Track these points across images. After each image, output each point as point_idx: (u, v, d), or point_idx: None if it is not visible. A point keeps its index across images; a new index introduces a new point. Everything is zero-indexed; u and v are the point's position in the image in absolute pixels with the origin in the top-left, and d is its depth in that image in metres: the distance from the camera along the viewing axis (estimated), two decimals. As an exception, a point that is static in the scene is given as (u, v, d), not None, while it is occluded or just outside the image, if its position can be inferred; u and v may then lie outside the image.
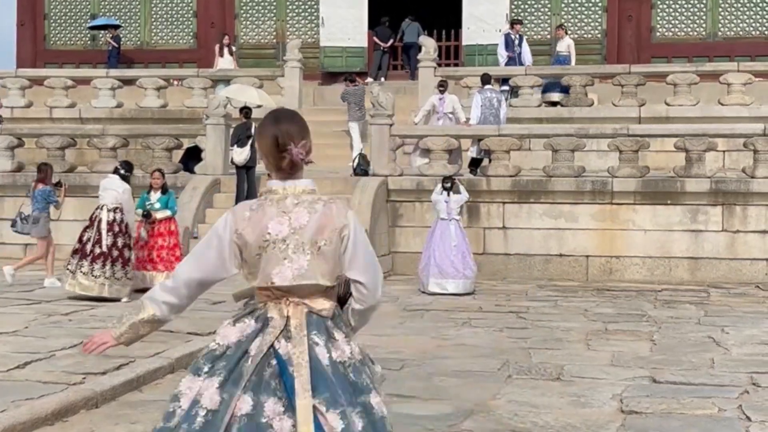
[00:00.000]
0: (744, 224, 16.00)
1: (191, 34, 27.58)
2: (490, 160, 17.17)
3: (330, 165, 19.03)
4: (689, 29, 25.40)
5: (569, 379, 8.36)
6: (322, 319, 3.48)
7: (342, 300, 3.61)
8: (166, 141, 17.97)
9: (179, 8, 27.65)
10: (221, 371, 3.40)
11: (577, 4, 25.70)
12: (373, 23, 25.24)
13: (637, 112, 19.84)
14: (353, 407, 3.37)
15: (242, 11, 27.12)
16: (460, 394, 7.69)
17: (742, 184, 16.06)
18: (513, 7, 25.36)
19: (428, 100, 18.70)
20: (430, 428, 6.67)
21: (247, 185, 16.69)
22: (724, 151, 18.73)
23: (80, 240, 12.37)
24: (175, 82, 23.35)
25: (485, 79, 18.27)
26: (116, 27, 26.62)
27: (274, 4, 26.95)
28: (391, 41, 24.80)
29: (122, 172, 12.71)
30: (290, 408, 3.33)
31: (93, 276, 11.93)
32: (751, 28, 25.14)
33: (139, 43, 27.74)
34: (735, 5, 25.17)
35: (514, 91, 20.90)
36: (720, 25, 25.19)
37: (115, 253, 12.09)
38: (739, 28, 25.18)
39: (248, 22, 27.13)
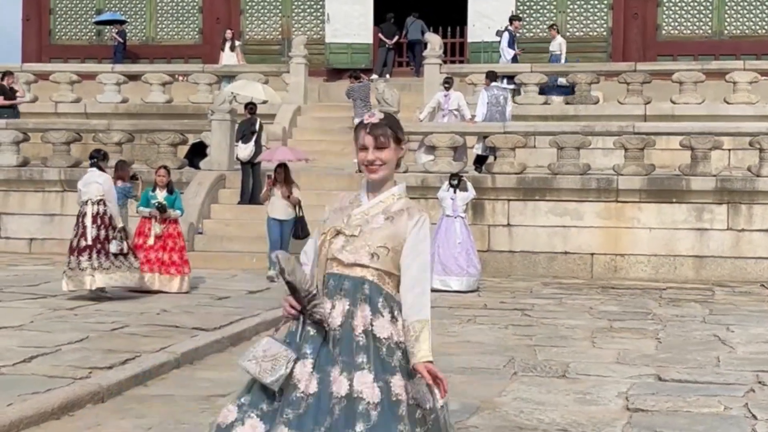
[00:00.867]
0: (749, 223, 15.99)
1: (197, 29, 27.59)
2: (495, 158, 17.16)
3: (335, 161, 19.03)
4: (695, 27, 25.36)
5: (575, 376, 8.35)
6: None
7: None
8: (172, 136, 17.98)
9: (185, 4, 27.66)
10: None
11: (582, 2, 25.67)
12: (379, 20, 25.22)
13: (642, 110, 19.82)
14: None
15: (248, 7, 27.11)
16: (466, 391, 7.68)
17: (747, 182, 16.05)
18: (519, 4, 25.33)
19: (434, 96, 18.70)
20: (435, 425, 6.66)
21: (252, 181, 16.69)
22: (729, 150, 18.70)
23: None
24: (181, 78, 23.34)
25: (492, 76, 18.26)
26: (121, 23, 26.63)
27: (280, 0, 26.95)
28: (396, 38, 24.78)
29: (96, 160, 12.09)
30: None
31: (80, 269, 11.66)
32: (758, 27, 25.10)
33: (144, 38, 27.75)
34: (741, 3, 25.13)
35: (518, 89, 20.89)
36: (726, 24, 25.15)
37: (99, 245, 11.63)
38: (745, 27, 25.14)
39: (254, 18, 27.13)
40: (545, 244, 16.39)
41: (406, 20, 24.87)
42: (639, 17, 25.28)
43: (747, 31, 25.10)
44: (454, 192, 14.33)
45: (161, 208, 12.71)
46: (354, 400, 3.63)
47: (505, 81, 20.55)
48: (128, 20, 27.21)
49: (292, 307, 3.80)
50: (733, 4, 25.17)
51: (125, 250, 11.84)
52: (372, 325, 3.74)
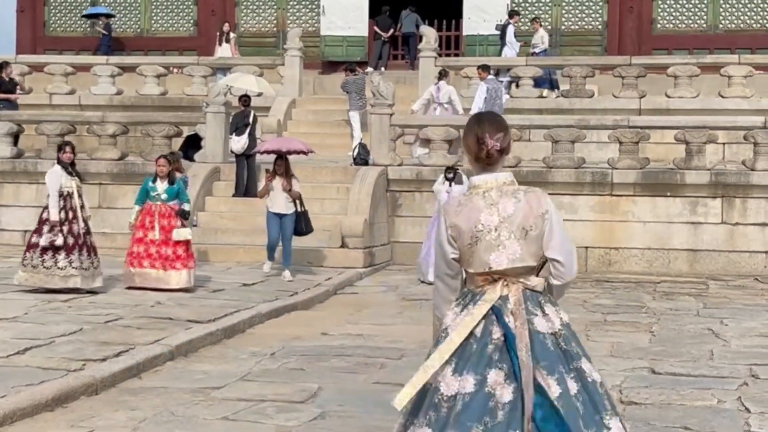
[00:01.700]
0: (743, 217, 16.01)
1: (191, 21, 27.52)
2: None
3: (330, 154, 19.01)
4: (690, 21, 25.36)
5: (568, 369, 8.35)
6: (536, 294, 3.91)
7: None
8: (166, 129, 17.95)
9: (179, -5, 27.60)
10: (453, 358, 3.79)
11: (578, -5, 25.65)
12: (374, 12, 25.19)
13: (637, 104, 19.83)
14: (567, 373, 3.78)
15: (243, -1, 27.07)
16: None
17: (741, 176, 16.07)
18: (514, -3, 25.33)
19: (428, 89, 18.72)
20: (429, 417, 6.67)
21: (247, 173, 16.67)
22: (724, 144, 18.72)
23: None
24: (175, 70, 23.30)
25: (486, 69, 18.24)
26: (108, 16, 26.62)
27: (275, -8, 26.90)
28: (392, 31, 24.75)
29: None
30: (511, 375, 3.72)
31: (30, 267, 11.42)
32: (752, 21, 25.10)
33: (139, 30, 27.69)
34: (736, -3, 25.14)
35: (514, 82, 20.89)
36: (721, 18, 25.15)
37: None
38: (740, 21, 25.15)
39: (249, 11, 27.06)
40: (540, 237, 16.37)
41: (401, 13, 24.84)
42: (634, 11, 25.27)
43: (742, 25, 25.11)
44: (450, 185, 14.32)
45: (183, 214, 12.11)
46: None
47: (498, 75, 20.61)
48: (117, 14, 27.24)
49: None
50: (728, -2, 25.18)
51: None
52: None
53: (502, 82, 19.48)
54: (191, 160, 17.88)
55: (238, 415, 6.67)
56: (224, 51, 23.83)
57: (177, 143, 18.39)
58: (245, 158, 16.67)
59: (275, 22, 26.90)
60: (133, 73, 22.33)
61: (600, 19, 25.56)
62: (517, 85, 20.70)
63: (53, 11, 28.18)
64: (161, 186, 12.11)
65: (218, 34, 24.24)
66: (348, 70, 20.23)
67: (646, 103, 19.85)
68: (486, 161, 3.95)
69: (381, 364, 8.45)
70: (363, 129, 18.94)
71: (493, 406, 3.68)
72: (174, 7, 27.65)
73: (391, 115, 17.20)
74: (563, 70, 20.68)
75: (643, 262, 16.10)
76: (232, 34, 24.47)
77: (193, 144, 18.33)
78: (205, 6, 27.13)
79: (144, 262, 11.96)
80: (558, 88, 21.18)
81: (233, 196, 16.77)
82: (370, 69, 23.20)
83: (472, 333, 3.80)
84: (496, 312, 3.82)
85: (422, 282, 14.13)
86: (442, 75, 18.48)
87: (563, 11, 25.48)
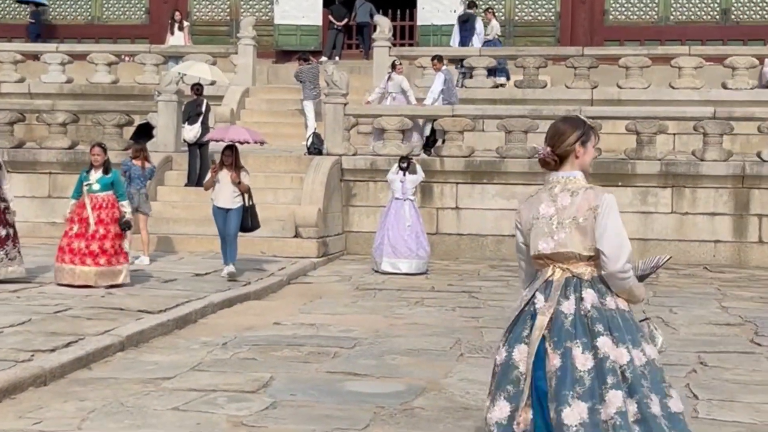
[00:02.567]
0: (693, 206, 16.22)
1: (143, 9, 27.23)
2: (444, 141, 17.19)
3: (284, 144, 18.95)
4: (642, 13, 25.59)
5: (520, 357, 8.40)
6: (580, 281, 4.28)
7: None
8: (117, 117, 17.76)
9: (131, -17, 27.27)
10: (506, 332, 4.43)
11: (531, -14, 25.76)
12: (328, 2, 25.09)
13: (589, 95, 19.99)
14: (588, 349, 4.14)
15: (195, -13, 26.82)
16: (413, 373, 7.72)
17: (691, 166, 16.27)
18: (468, -13, 25.35)
19: (382, 79, 18.72)
20: (381, 406, 6.68)
21: (200, 162, 16.54)
22: (674, 134, 18.95)
23: None
24: (127, 58, 23.04)
25: (440, 59, 18.27)
26: (37, 4, 26.28)
27: (228, -20, 26.69)
28: (346, 20, 24.67)
29: None
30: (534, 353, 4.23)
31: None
32: (703, 13, 25.39)
33: (90, 18, 27.34)
34: (687, -11, 25.40)
35: (467, 73, 20.95)
36: (672, 9, 25.41)
37: None
38: (690, 12, 25.42)
39: (201, -1, 26.83)
40: (493, 227, 16.49)
41: (355, 2, 24.76)
42: (586, 2, 25.45)
43: (692, 17, 25.38)
44: (404, 175, 14.34)
45: (126, 226, 11.47)
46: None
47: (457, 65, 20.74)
48: (47, 4, 26.84)
49: None
50: (679, -10, 25.43)
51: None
52: None
53: (464, 72, 19.59)
54: (143, 149, 17.71)
55: (189, 405, 6.62)
56: (177, 39, 23.57)
57: (128, 132, 18.20)
58: (198, 147, 16.54)
59: (228, 10, 26.70)
60: (83, 61, 22.06)
61: (553, 9, 25.70)
62: (471, 76, 20.76)
63: (1, -2, 27.74)
64: (94, 176, 11.51)
65: (170, 22, 23.99)
66: (302, 59, 20.16)
67: (598, 94, 20.02)
68: (543, 167, 4.47)
69: (334, 353, 8.44)
70: (317, 118, 18.90)
71: (515, 378, 4.26)
72: (126, -6, 27.33)
73: (345, 104, 17.17)
74: (516, 60, 20.78)
75: (595, 251, 16.21)
76: (185, 23, 24.24)
77: (144, 133, 18.15)
78: (157, -7, 26.84)
79: (65, 257, 11.31)
80: (509, 78, 21.31)
81: (186, 185, 16.64)
82: (324, 58, 23.13)
83: (522, 311, 4.36)
84: (539, 293, 4.30)
85: (376, 271, 14.15)
86: (394, 66, 18.52)
87: (516, 2, 25.58)
